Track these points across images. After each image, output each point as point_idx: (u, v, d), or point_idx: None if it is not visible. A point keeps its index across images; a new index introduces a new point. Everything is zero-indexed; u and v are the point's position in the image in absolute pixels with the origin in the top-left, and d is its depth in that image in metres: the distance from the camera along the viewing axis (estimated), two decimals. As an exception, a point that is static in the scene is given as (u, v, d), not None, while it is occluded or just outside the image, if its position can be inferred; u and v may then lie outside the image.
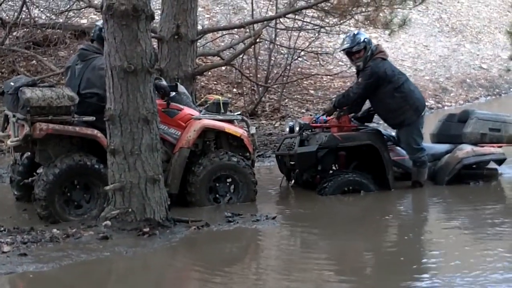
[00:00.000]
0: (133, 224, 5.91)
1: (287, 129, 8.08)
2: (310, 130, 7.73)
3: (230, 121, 7.07)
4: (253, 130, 7.20)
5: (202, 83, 13.29)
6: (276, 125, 12.27)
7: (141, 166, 5.97)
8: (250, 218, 6.46)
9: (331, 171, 7.72)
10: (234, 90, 13.76)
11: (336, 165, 7.78)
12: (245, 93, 13.37)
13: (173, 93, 6.86)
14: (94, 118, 6.36)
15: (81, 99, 6.40)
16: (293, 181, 7.86)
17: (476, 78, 17.88)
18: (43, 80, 9.88)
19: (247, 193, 6.98)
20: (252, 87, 13.41)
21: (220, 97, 7.26)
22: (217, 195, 6.97)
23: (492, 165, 8.19)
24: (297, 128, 7.71)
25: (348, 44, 7.62)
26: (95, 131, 6.36)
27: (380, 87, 7.53)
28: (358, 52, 7.56)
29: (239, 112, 8.66)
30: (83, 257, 5.34)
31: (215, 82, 13.85)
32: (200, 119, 6.84)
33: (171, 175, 6.68)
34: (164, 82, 6.88)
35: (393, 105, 7.58)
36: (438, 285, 4.76)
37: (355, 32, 7.80)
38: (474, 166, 8.02)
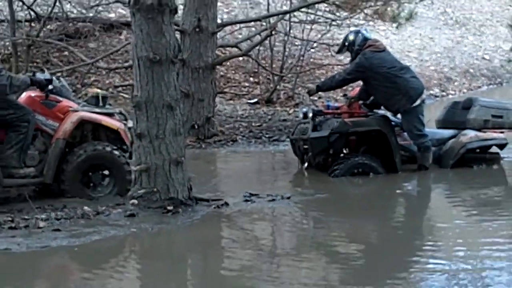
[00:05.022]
0: (158, 202, 5.91)
1: (301, 115, 8.07)
2: (322, 116, 7.72)
3: (110, 114, 6.57)
4: (130, 124, 6.67)
5: (221, 73, 13.29)
6: (290, 112, 12.26)
7: (165, 149, 5.97)
8: (266, 197, 6.45)
9: (342, 155, 7.70)
10: (251, 79, 13.75)
11: (347, 149, 7.76)
12: (261, 82, 13.36)
13: (50, 86, 6.28)
14: None
15: None
16: (306, 164, 7.85)
17: (478, 68, 17.76)
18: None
19: (120, 184, 6.36)
20: (268, 76, 13.39)
21: (99, 91, 6.83)
22: (91, 185, 6.36)
23: (495, 149, 8.13)
24: (310, 114, 7.69)
25: (338, 47, 8.18)
26: None
27: (370, 78, 7.57)
28: (348, 48, 7.76)
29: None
30: (112, 233, 5.37)
31: (233, 72, 13.85)
32: (77, 111, 6.33)
33: (47, 165, 6.18)
34: (40, 76, 6.35)
35: (386, 94, 7.57)
36: (441, 258, 4.76)
37: (346, 35, 8.02)
38: (478, 150, 7.96)
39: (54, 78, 6.43)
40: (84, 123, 6.40)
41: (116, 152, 6.37)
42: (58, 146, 6.19)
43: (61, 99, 6.36)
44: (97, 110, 6.48)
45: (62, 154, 6.22)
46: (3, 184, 6.09)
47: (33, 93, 6.26)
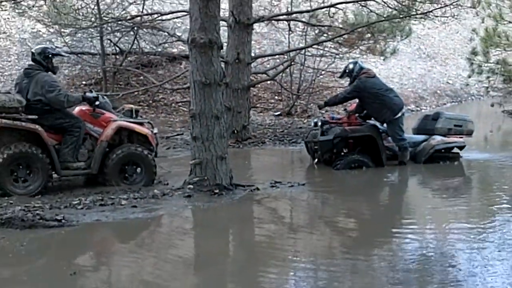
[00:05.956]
0: (208, 187, 5.92)
1: (312, 124, 8.03)
2: (328, 125, 7.68)
3: (141, 124, 6.46)
4: (155, 130, 6.65)
5: (254, 92, 13.26)
6: (304, 122, 12.19)
7: (213, 148, 5.98)
8: (287, 184, 6.43)
9: (342, 153, 7.66)
10: (276, 97, 13.71)
11: (346, 149, 7.71)
12: (283, 99, 13.33)
13: (97, 102, 6.21)
14: (37, 116, 5.82)
15: (30, 105, 5.87)
16: (316, 160, 7.82)
17: (444, 90, 17.54)
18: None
19: (148, 176, 6.24)
20: (288, 95, 13.34)
21: (133, 106, 6.74)
22: (126, 177, 6.22)
23: (456, 150, 8.02)
24: (319, 123, 7.66)
25: (340, 74, 8.01)
26: (37, 126, 5.77)
27: (364, 96, 7.48)
28: (348, 74, 7.67)
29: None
30: (174, 209, 5.41)
31: (263, 92, 13.82)
32: (116, 121, 6.25)
33: (93, 160, 6.10)
34: (89, 94, 6.17)
35: (375, 108, 7.48)
36: (415, 229, 4.74)
37: (346, 64, 7.88)
38: (443, 150, 7.86)
39: (99, 95, 6.36)
40: (122, 130, 6.31)
41: (145, 152, 6.27)
42: (102, 146, 6.13)
43: (104, 111, 6.29)
44: (131, 120, 6.41)
45: (105, 152, 6.16)
46: (61, 175, 6.07)
47: (84, 107, 6.21)
